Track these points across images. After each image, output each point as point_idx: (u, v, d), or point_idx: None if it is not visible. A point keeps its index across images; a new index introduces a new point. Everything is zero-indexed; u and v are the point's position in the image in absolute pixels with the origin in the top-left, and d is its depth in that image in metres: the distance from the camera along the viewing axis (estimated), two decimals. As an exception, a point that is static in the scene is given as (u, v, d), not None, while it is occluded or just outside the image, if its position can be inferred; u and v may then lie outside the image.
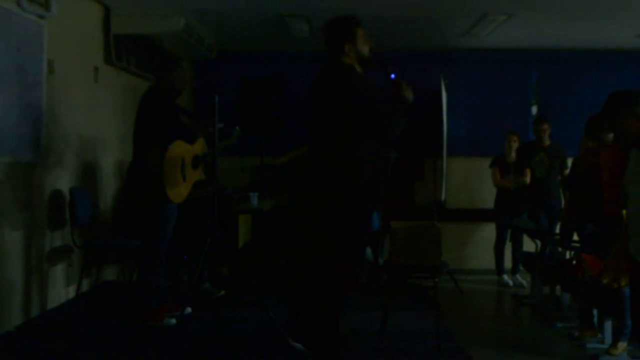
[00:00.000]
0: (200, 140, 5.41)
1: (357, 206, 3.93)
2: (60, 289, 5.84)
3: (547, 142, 7.45)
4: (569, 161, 7.14)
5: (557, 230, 7.28)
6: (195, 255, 5.80)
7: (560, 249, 6.79)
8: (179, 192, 5.13)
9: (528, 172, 7.41)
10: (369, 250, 6.58)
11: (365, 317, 5.38)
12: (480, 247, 8.48)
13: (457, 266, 7.45)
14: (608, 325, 4.85)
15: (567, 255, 6.50)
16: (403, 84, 4.07)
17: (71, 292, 5.95)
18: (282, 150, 7.51)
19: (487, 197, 7.96)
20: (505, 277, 7.58)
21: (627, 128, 3.32)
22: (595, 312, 5.10)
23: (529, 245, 7.44)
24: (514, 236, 7.56)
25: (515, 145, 7.55)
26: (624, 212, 3.48)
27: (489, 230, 7.99)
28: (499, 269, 7.64)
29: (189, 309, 5.42)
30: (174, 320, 5.17)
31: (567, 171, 7.25)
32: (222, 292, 6.18)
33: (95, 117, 6.47)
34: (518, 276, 7.52)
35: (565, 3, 6.44)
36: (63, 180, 5.83)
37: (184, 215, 5.48)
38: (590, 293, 4.84)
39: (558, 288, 6.11)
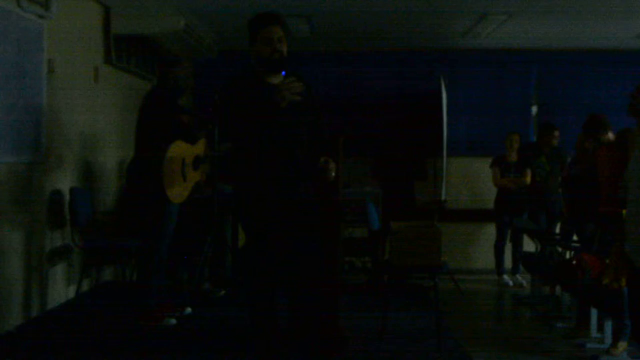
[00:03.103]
0: (201, 141, 5.41)
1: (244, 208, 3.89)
2: (60, 289, 5.84)
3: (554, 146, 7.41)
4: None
5: (557, 230, 7.28)
6: (195, 255, 5.80)
7: (560, 249, 6.79)
8: (178, 193, 5.13)
9: (528, 172, 7.40)
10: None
11: (365, 317, 5.39)
12: (480, 247, 8.48)
13: (457, 266, 7.45)
14: (608, 325, 4.85)
15: (567, 255, 6.50)
16: (282, 85, 3.70)
17: (71, 292, 5.95)
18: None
19: (487, 197, 7.96)
20: (505, 277, 7.58)
21: None
22: (595, 312, 5.09)
23: (529, 245, 7.45)
24: (514, 236, 7.56)
25: (516, 145, 7.55)
26: (624, 211, 3.48)
27: (489, 230, 8.00)
28: (499, 269, 7.64)
29: (189, 309, 5.42)
30: (174, 320, 5.17)
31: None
32: (222, 292, 6.18)
33: (95, 117, 6.47)
34: (518, 276, 7.52)
35: (565, 3, 6.44)
36: (63, 180, 5.83)
37: (184, 215, 5.48)
38: (590, 293, 4.84)
39: (558, 288, 6.11)
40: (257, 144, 3.73)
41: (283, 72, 3.75)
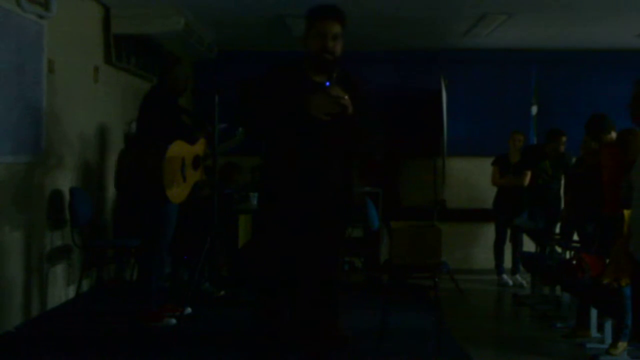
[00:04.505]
0: (201, 141, 5.41)
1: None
2: (60, 289, 5.84)
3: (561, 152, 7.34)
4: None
5: (557, 230, 7.28)
6: (195, 255, 5.80)
7: (560, 249, 6.78)
8: (178, 193, 5.12)
9: (528, 174, 7.36)
10: None
11: (365, 317, 5.39)
12: (480, 247, 8.48)
13: (457, 266, 7.45)
14: (608, 325, 4.85)
15: (567, 255, 6.50)
16: (326, 95, 3.33)
17: (71, 292, 5.95)
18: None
19: (487, 197, 7.95)
20: (505, 277, 7.57)
21: None
22: (594, 312, 5.10)
23: (529, 245, 7.45)
24: (514, 236, 7.56)
25: (519, 144, 7.52)
26: (626, 211, 3.48)
27: (489, 230, 7.99)
28: (499, 268, 7.64)
29: (189, 309, 5.42)
30: (174, 320, 5.17)
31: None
32: (222, 292, 6.18)
33: (95, 117, 6.47)
34: (518, 276, 7.52)
35: (565, 3, 6.44)
36: (63, 180, 5.83)
37: (184, 215, 5.49)
38: (590, 293, 4.84)
39: (558, 288, 6.11)
40: (287, 144, 3.47)
41: (327, 83, 3.37)
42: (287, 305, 3.68)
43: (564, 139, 7.22)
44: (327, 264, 3.61)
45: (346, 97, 3.31)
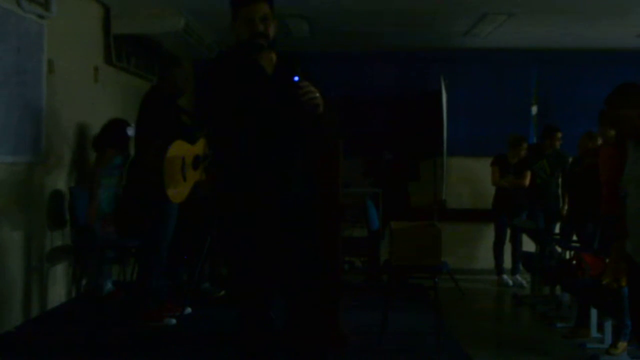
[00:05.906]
0: (201, 141, 5.41)
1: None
2: (60, 289, 5.84)
3: (557, 148, 7.37)
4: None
5: (557, 230, 7.27)
6: (195, 255, 5.80)
7: (560, 249, 6.78)
8: (178, 193, 5.12)
9: (528, 174, 7.35)
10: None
11: (365, 317, 5.39)
12: (480, 247, 8.48)
13: (457, 266, 7.45)
14: (608, 325, 4.85)
15: (567, 255, 6.50)
16: (305, 88, 3.09)
17: (71, 292, 5.95)
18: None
19: (487, 197, 7.95)
20: (505, 277, 7.57)
21: (629, 122, 3.33)
22: (594, 312, 5.10)
23: (529, 245, 7.45)
24: (514, 236, 7.55)
25: (523, 153, 7.41)
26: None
27: (489, 230, 7.99)
28: (499, 268, 7.64)
29: (189, 309, 5.42)
30: (174, 320, 5.17)
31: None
32: (222, 292, 6.18)
33: (95, 117, 6.47)
34: (518, 276, 7.52)
35: (565, 3, 6.44)
36: (63, 180, 5.83)
37: (184, 215, 5.49)
38: (590, 293, 4.84)
39: (558, 288, 6.12)
40: (246, 136, 3.20)
41: (296, 78, 3.10)
42: (270, 310, 3.48)
43: (559, 134, 7.28)
44: (304, 265, 3.40)
45: (317, 94, 3.11)
